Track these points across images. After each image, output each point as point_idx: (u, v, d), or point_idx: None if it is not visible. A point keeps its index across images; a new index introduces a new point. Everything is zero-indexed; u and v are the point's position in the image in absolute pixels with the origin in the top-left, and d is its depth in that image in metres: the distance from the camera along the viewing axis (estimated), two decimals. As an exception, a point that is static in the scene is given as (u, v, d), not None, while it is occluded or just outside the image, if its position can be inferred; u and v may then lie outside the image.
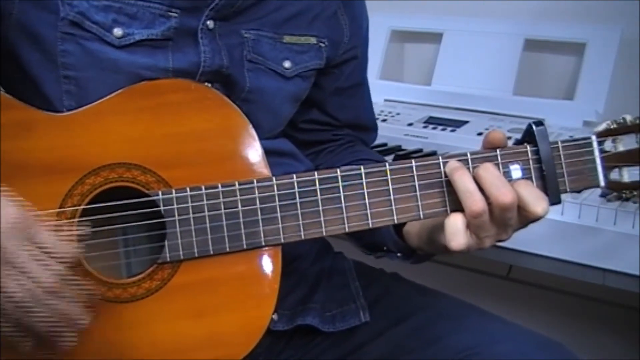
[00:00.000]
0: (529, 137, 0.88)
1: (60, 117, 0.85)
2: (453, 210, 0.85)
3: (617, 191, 0.89)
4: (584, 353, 1.01)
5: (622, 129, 0.88)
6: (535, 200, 0.83)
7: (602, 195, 1.21)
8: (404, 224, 0.96)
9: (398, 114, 1.74)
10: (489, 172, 0.84)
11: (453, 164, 0.86)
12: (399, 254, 1.01)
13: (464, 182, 0.84)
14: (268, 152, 0.89)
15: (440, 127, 1.63)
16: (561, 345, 0.97)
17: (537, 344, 0.96)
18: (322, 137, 1.18)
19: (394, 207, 0.86)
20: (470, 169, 0.85)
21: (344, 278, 1.09)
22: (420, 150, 1.55)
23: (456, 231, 0.84)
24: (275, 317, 1.00)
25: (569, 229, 1.20)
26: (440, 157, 0.86)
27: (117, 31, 0.91)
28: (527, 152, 0.87)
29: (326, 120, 1.17)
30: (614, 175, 0.89)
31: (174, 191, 0.84)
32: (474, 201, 0.83)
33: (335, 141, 1.19)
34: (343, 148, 1.18)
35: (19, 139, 0.82)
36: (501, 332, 0.99)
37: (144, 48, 0.92)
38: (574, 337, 1.55)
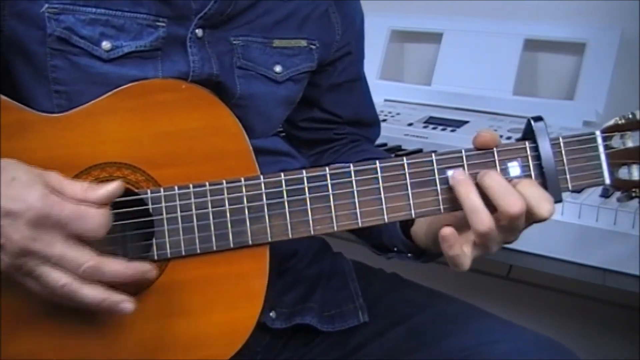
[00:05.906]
0: (529, 133, 0.84)
1: (52, 118, 0.85)
2: (446, 210, 0.84)
3: (625, 190, 0.85)
4: (584, 353, 1.01)
5: (630, 125, 0.84)
6: (540, 203, 0.80)
7: (603, 195, 1.21)
8: (412, 224, 0.95)
9: (398, 114, 1.74)
10: (495, 181, 0.80)
11: (458, 176, 0.82)
12: (409, 255, 1.00)
13: (470, 199, 0.80)
14: (261, 152, 0.89)
15: (440, 127, 1.64)
16: (561, 346, 0.96)
17: (538, 344, 0.96)
18: (324, 136, 1.17)
19: (384, 206, 0.84)
20: (465, 166, 0.83)
21: (343, 278, 1.09)
22: (420, 150, 1.54)
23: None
24: (273, 314, 1.01)
25: (569, 229, 1.20)
26: (433, 155, 0.84)
27: (106, 44, 0.90)
28: (525, 148, 0.83)
29: (325, 118, 1.16)
30: (623, 173, 0.84)
31: (162, 190, 0.84)
32: (481, 220, 0.79)
33: (338, 140, 1.18)
34: (348, 148, 1.17)
35: (13, 140, 0.82)
36: (501, 333, 0.98)
37: (133, 60, 0.92)
38: (574, 337, 1.54)
